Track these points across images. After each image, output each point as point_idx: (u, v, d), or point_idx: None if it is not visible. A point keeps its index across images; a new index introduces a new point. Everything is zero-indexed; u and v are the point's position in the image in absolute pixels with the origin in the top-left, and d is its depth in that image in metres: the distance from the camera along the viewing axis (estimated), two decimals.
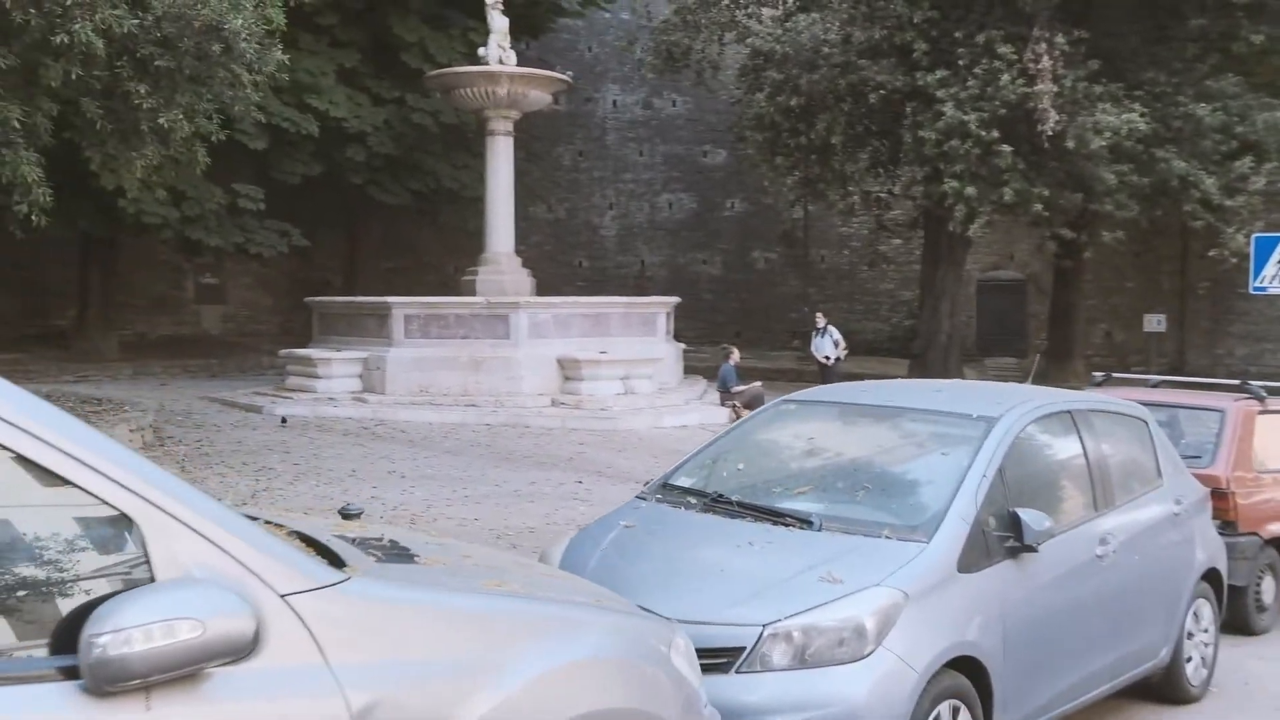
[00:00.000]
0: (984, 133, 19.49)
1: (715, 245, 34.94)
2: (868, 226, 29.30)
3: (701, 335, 35.05)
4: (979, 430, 5.54)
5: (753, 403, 19.24)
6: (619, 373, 19.13)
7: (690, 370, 23.59)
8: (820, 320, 21.74)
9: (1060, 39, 19.17)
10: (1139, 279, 32.67)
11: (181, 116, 12.05)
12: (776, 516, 5.27)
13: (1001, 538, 5.15)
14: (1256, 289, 13.90)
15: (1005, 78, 19.13)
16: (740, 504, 5.48)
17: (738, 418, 18.94)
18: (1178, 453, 8.34)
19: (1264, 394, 8.85)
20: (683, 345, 23.71)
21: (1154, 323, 29.61)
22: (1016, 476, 5.50)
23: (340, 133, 24.39)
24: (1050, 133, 19.09)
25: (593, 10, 30.42)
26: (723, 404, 19.32)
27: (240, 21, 11.71)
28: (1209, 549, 6.95)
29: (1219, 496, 8.16)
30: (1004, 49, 19.35)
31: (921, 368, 23.95)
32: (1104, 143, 18.99)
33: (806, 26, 20.12)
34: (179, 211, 21.82)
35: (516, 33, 29.05)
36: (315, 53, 24.70)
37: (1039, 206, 20.16)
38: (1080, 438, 6.07)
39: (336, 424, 17.30)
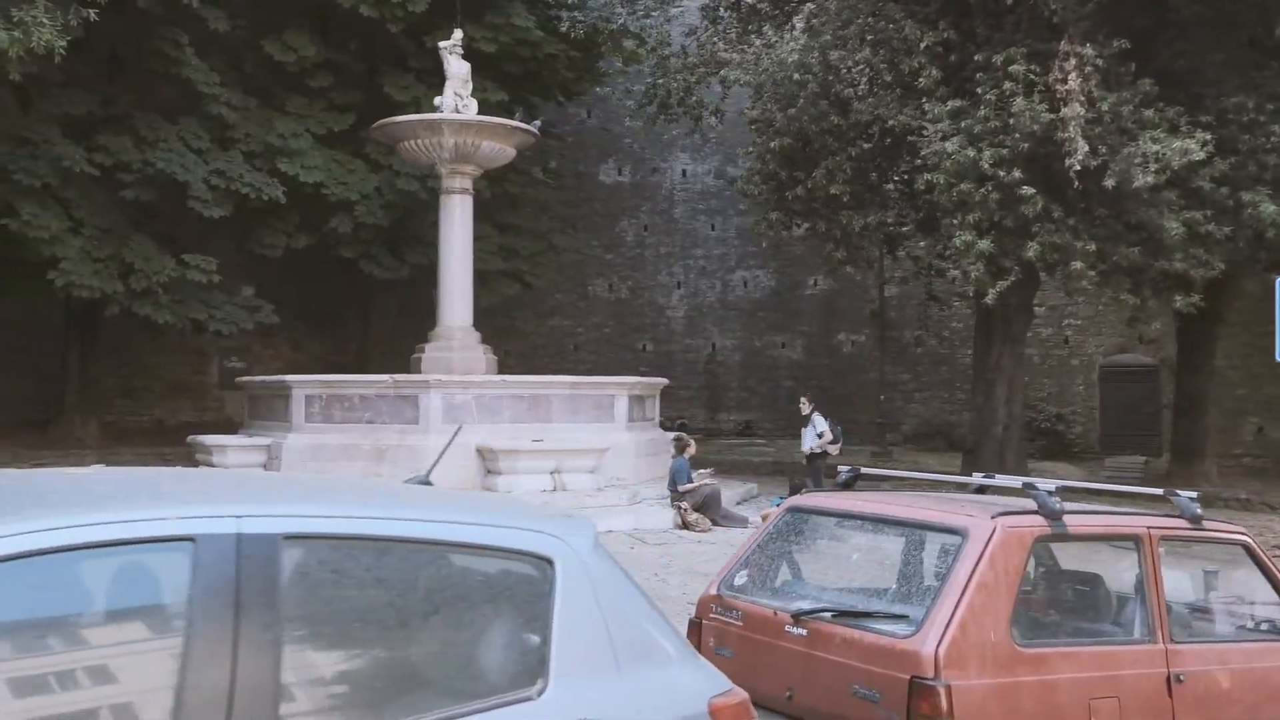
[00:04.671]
0: (1002, 172, 15.67)
1: (795, 327, 31.35)
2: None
3: (780, 427, 31.35)
4: None
5: (705, 504, 15.75)
6: (547, 465, 15.99)
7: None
8: (805, 406, 17.97)
9: (1089, 49, 15.24)
10: None
11: None
12: None
13: None
14: None
15: (1019, 102, 15.31)
16: None
17: (685, 523, 15.47)
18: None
19: (1053, 509, 5.00)
20: (686, 436, 20.30)
21: None
22: None
23: (326, 201, 22.37)
24: (1078, 167, 15.12)
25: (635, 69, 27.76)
26: (673, 504, 15.86)
27: None
28: None
29: (920, 693, 4.49)
30: (1017, 68, 15.55)
31: (974, 465, 19.76)
32: (1151, 179, 14.87)
33: (765, 50, 16.70)
34: (124, 285, 20.04)
35: (551, 96, 26.81)
36: (304, 115, 22.91)
37: (1079, 265, 16.07)
38: (225, 620, 2.70)
39: None
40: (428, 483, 4.32)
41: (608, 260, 31.45)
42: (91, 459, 22.03)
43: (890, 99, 17.14)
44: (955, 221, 16.37)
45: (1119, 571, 5.28)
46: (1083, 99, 15.36)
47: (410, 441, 16.11)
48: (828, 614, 4.96)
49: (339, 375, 18.44)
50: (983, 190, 15.89)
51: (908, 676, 4.51)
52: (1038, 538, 4.94)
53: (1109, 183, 15.22)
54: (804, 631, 4.99)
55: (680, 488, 15.72)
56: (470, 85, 19.12)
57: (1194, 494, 5.47)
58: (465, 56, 21.78)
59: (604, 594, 3.40)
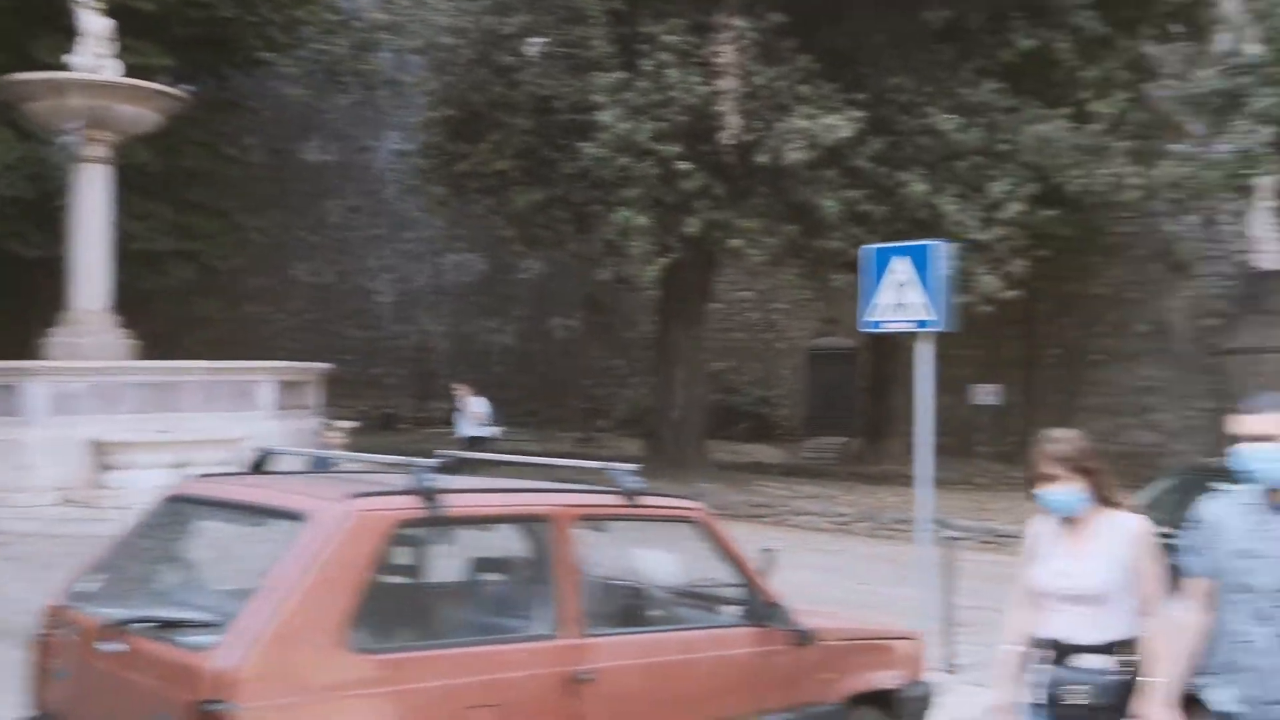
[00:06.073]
0: (661, 146, 15.21)
1: (508, 312, 30.53)
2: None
3: (494, 414, 30.56)
4: None
5: None
6: (168, 458, 14.53)
7: None
8: (460, 391, 17.21)
9: (743, 22, 14.95)
10: (982, 346, 28.23)
11: None
12: None
13: None
14: (868, 325, 9.42)
15: (673, 74, 14.88)
16: None
17: None
18: None
19: (428, 487, 4.21)
20: (346, 424, 19.17)
21: (983, 395, 25.20)
22: None
23: None
24: (733, 142, 14.81)
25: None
26: None
27: None
28: None
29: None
30: (672, 38, 15.13)
31: (655, 449, 19.40)
32: (801, 155, 14.67)
33: (415, 10, 15.78)
34: None
35: (237, 64, 25.02)
36: None
37: (738, 242, 15.80)
38: None
39: None
40: None
41: (312, 243, 29.83)
42: None
43: (559, 70, 16.46)
44: (617, 197, 15.85)
45: (526, 556, 4.57)
46: (738, 72, 15.06)
47: (10, 435, 14.41)
48: (135, 625, 4.03)
49: None
50: (643, 165, 15.40)
51: (195, 700, 3.61)
52: (402, 521, 4.14)
53: (762, 158, 14.99)
54: (125, 646, 4.04)
55: None
56: (115, 45, 17.40)
57: (633, 467, 4.82)
58: (124, 16, 19.95)
59: None
